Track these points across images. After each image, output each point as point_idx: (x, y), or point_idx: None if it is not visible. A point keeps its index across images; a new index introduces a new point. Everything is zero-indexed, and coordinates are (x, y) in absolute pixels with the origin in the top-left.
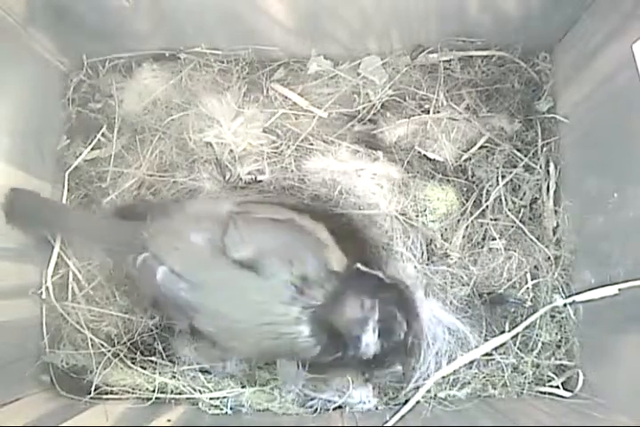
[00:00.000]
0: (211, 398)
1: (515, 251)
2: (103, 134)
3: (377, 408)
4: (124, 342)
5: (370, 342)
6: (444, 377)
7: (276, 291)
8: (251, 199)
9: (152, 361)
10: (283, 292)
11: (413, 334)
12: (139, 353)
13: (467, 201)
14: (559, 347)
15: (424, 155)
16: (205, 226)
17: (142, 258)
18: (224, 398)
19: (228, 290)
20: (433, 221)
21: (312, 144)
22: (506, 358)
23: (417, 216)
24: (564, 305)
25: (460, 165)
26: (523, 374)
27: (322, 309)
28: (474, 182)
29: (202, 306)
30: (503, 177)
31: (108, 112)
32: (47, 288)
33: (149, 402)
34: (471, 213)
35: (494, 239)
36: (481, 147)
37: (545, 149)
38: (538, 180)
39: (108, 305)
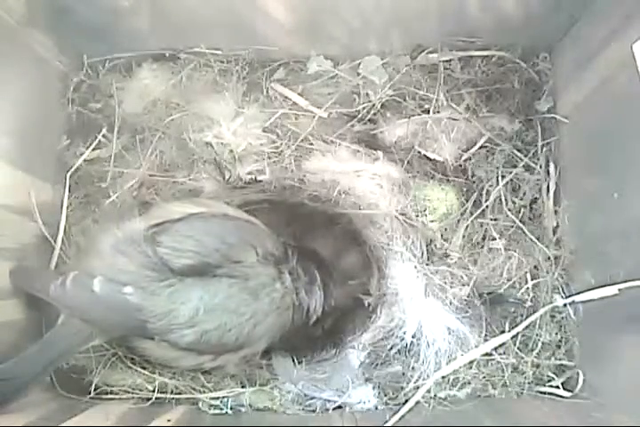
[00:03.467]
0: (211, 398)
1: (515, 251)
2: (103, 135)
3: (377, 408)
4: (123, 343)
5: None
6: (443, 377)
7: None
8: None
9: (151, 361)
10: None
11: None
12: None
13: (467, 201)
14: (559, 347)
15: (424, 155)
16: (130, 251)
17: (72, 276)
18: (224, 398)
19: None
20: (433, 221)
21: (312, 144)
22: (506, 358)
23: (417, 216)
24: (564, 305)
25: (460, 165)
26: (523, 374)
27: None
28: (474, 182)
29: (149, 309)
30: (503, 177)
31: (108, 112)
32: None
33: (149, 402)
34: (471, 213)
35: (494, 239)
36: (481, 147)
37: (545, 149)
38: (538, 180)
39: None
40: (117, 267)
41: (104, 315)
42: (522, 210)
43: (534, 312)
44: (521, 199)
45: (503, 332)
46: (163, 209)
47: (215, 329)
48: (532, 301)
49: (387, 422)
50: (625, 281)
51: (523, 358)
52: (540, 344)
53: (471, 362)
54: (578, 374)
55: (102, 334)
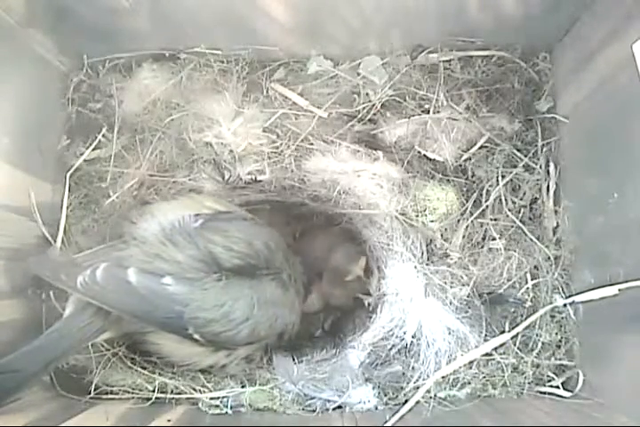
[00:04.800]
0: (211, 398)
1: (515, 251)
2: (103, 135)
3: (377, 408)
4: (124, 343)
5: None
6: (443, 377)
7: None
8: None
9: (152, 361)
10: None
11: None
12: (138, 354)
13: (467, 201)
14: (559, 347)
15: (424, 155)
16: (180, 240)
17: (103, 267)
18: (224, 398)
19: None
20: (433, 221)
21: (312, 144)
22: (506, 358)
23: (417, 216)
24: (564, 305)
25: (460, 165)
26: (523, 374)
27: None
28: (474, 182)
29: (192, 300)
30: (503, 177)
31: (108, 112)
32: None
33: (149, 402)
34: (471, 213)
35: (494, 239)
36: (481, 147)
37: (545, 149)
38: (538, 180)
39: None
40: (162, 256)
41: (138, 305)
42: (522, 210)
43: (534, 312)
44: (521, 199)
45: (503, 332)
46: (195, 202)
47: (266, 321)
48: (532, 301)
49: (387, 422)
50: (625, 281)
51: (523, 358)
52: (539, 344)
53: (471, 362)
54: (578, 374)
55: (116, 327)
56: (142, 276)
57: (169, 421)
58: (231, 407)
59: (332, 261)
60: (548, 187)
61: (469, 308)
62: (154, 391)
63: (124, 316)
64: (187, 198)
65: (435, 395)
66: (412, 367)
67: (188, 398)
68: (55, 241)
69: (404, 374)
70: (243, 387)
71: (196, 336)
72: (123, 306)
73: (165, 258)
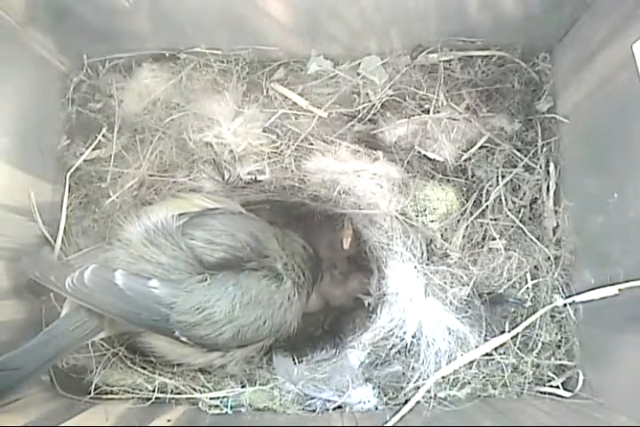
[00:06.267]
0: (211, 398)
1: (515, 251)
2: (103, 135)
3: (377, 408)
4: (124, 342)
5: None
6: (443, 377)
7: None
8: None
9: (151, 361)
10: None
11: None
12: (138, 354)
13: (467, 201)
14: (559, 347)
15: (424, 155)
16: (163, 242)
17: (91, 269)
18: (224, 398)
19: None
20: (433, 221)
21: (312, 144)
22: (506, 358)
23: (417, 216)
24: (564, 305)
25: (460, 165)
26: (523, 374)
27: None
28: (474, 182)
29: (177, 303)
30: (503, 177)
31: (108, 112)
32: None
33: (149, 402)
34: (471, 213)
35: (494, 239)
36: (481, 147)
37: (545, 149)
38: (538, 180)
39: None
40: (146, 258)
41: (125, 308)
42: (522, 210)
43: (534, 312)
44: (521, 199)
45: (503, 332)
46: (184, 200)
47: (252, 323)
48: (532, 301)
49: (387, 422)
50: (625, 281)
51: (523, 358)
52: (540, 344)
53: (471, 362)
54: (578, 374)
55: (111, 327)
56: (129, 278)
57: (169, 421)
58: (231, 407)
59: (324, 242)
60: (548, 187)
61: (469, 308)
62: (154, 391)
63: (112, 317)
64: (176, 199)
65: (435, 395)
66: (412, 367)
67: (188, 398)
68: (55, 241)
69: (404, 374)
70: (243, 387)
71: (184, 339)
72: (110, 308)
73: (149, 260)
